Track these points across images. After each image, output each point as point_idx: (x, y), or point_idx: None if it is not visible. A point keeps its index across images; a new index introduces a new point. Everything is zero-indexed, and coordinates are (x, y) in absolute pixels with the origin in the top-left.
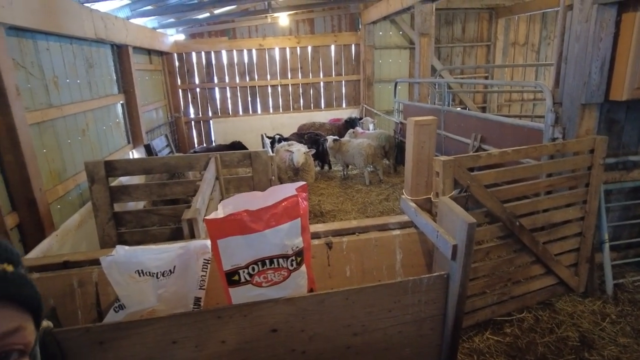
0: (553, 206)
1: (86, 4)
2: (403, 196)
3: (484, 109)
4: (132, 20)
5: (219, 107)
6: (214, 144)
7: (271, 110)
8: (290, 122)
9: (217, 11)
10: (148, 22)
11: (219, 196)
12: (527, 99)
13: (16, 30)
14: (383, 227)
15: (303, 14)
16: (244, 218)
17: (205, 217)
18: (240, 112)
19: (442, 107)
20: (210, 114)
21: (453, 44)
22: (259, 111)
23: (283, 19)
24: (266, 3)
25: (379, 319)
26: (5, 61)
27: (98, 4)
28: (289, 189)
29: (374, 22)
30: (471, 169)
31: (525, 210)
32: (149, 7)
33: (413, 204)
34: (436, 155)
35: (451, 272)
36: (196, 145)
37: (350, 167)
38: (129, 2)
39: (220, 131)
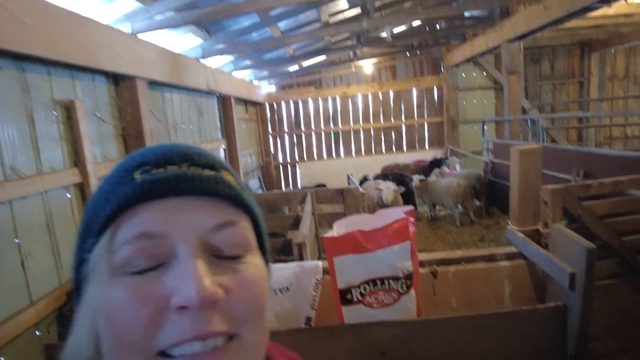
0: None
1: (201, 60)
2: (509, 227)
3: None
4: (233, 74)
5: (305, 151)
6: (299, 186)
7: (354, 154)
8: (371, 164)
9: (305, 64)
10: (247, 75)
11: (314, 229)
12: (631, 136)
13: (150, 84)
14: (490, 258)
15: (385, 61)
16: (358, 237)
17: (324, 235)
18: (325, 156)
19: (538, 143)
20: (297, 158)
21: (541, 82)
22: (342, 155)
23: (367, 66)
24: (351, 52)
25: (488, 350)
26: (145, 109)
27: (210, 59)
28: (397, 212)
29: (457, 65)
30: (580, 199)
31: None
32: (248, 62)
33: (521, 234)
34: None
35: (569, 303)
36: (283, 188)
37: (437, 207)
38: (233, 58)
39: (306, 174)
